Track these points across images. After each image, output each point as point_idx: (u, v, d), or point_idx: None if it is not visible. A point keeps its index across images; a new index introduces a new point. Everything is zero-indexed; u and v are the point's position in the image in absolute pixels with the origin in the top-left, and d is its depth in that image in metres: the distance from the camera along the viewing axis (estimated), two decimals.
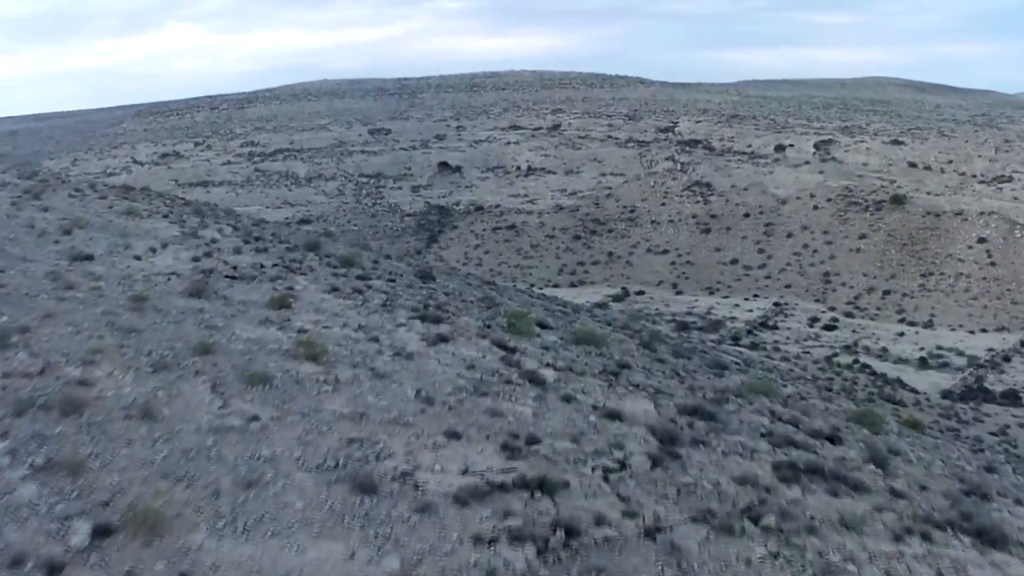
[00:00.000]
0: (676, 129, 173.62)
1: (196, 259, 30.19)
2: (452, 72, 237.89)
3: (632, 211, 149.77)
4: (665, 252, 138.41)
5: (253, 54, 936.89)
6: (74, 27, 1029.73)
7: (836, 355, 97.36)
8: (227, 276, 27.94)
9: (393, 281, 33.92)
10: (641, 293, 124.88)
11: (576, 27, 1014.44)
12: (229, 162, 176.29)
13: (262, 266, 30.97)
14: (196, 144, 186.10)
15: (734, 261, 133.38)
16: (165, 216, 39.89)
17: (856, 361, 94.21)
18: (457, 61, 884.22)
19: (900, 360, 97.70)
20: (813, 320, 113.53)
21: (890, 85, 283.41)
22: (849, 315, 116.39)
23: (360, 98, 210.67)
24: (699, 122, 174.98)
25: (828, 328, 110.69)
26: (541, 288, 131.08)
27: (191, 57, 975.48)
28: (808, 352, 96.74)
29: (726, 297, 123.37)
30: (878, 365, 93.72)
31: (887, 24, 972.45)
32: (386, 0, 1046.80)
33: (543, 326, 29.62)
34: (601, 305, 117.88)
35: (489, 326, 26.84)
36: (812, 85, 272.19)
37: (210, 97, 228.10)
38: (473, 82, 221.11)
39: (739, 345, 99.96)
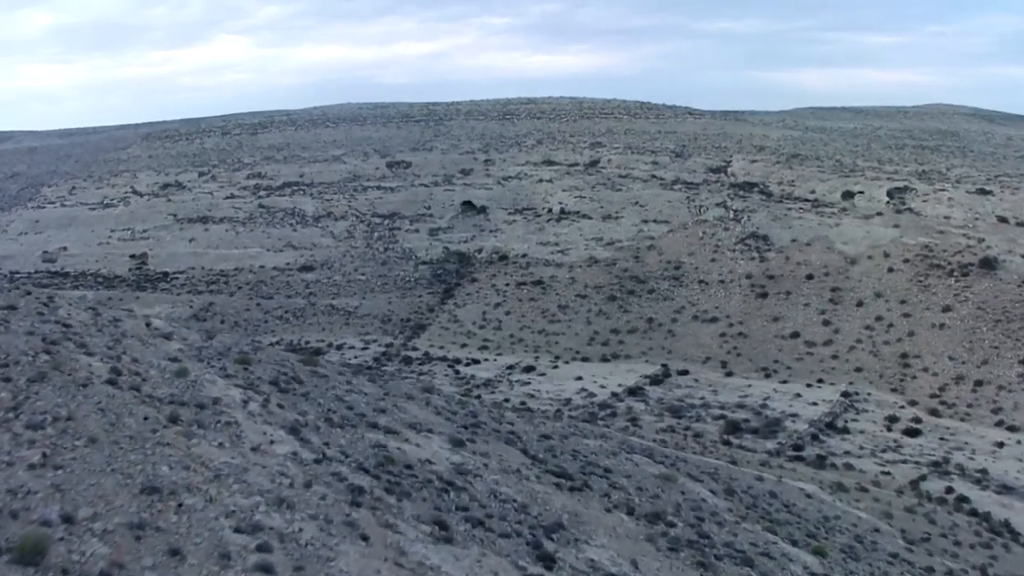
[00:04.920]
0: (729, 169, 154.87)
1: None
2: (495, 90, 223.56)
3: (677, 267, 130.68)
4: (714, 320, 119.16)
5: (301, 67, 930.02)
6: (127, 38, 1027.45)
7: (924, 478, 78.26)
8: None
9: None
10: (685, 373, 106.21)
11: (622, 46, 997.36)
12: (233, 195, 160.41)
13: None
14: (201, 174, 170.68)
15: (795, 335, 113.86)
16: None
17: (950, 490, 75.12)
18: (503, 78, 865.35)
19: (1004, 488, 78.25)
20: (891, 420, 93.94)
21: (956, 114, 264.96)
22: (934, 412, 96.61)
23: (382, 125, 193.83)
24: (755, 161, 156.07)
25: (910, 433, 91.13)
26: (568, 361, 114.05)
27: (240, 70, 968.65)
28: (888, 472, 77.96)
29: (784, 382, 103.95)
30: (978, 496, 74.54)
31: (937, 45, 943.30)
32: (434, 15, 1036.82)
33: None
34: (636, 391, 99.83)
35: None
36: (874, 114, 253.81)
37: (223, 119, 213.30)
38: (506, 109, 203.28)
39: (801, 456, 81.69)
